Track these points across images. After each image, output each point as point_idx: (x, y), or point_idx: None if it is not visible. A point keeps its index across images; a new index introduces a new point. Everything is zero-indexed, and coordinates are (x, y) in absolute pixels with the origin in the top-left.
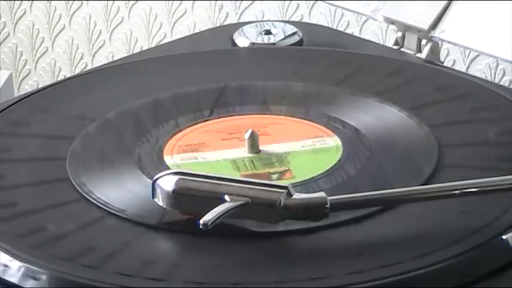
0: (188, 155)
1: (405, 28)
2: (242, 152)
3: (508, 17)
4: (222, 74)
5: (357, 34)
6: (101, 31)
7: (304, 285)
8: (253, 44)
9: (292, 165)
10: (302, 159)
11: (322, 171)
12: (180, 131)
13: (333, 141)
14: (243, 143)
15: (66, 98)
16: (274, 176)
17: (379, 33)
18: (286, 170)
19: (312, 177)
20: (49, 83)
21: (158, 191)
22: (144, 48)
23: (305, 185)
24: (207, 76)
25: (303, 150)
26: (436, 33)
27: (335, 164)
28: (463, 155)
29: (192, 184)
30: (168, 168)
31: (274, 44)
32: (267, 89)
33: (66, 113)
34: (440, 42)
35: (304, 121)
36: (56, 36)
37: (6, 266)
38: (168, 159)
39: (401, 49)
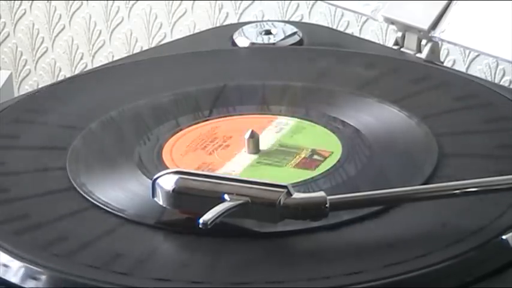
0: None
1: (405, 28)
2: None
3: (508, 17)
4: (222, 73)
5: (357, 34)
6: (101, 31)
7: (303, 285)
8: (253, 44)
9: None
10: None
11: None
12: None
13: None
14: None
15: (66, 97)
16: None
17: (379, 33)
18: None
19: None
20: (49, 83)
21: (158, 190)
22: (144, 48)
23: (305, 185)
24: (207, 76)
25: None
26: (436, 33)
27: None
28: (463, 155)
29: (192, 183)
30: (168, 167)
31: (274, 44)
32: (266, 88)
33: (66, 113)
34: (440, 42)
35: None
36: (56, 36)
37: None
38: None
39: (401, 49)
